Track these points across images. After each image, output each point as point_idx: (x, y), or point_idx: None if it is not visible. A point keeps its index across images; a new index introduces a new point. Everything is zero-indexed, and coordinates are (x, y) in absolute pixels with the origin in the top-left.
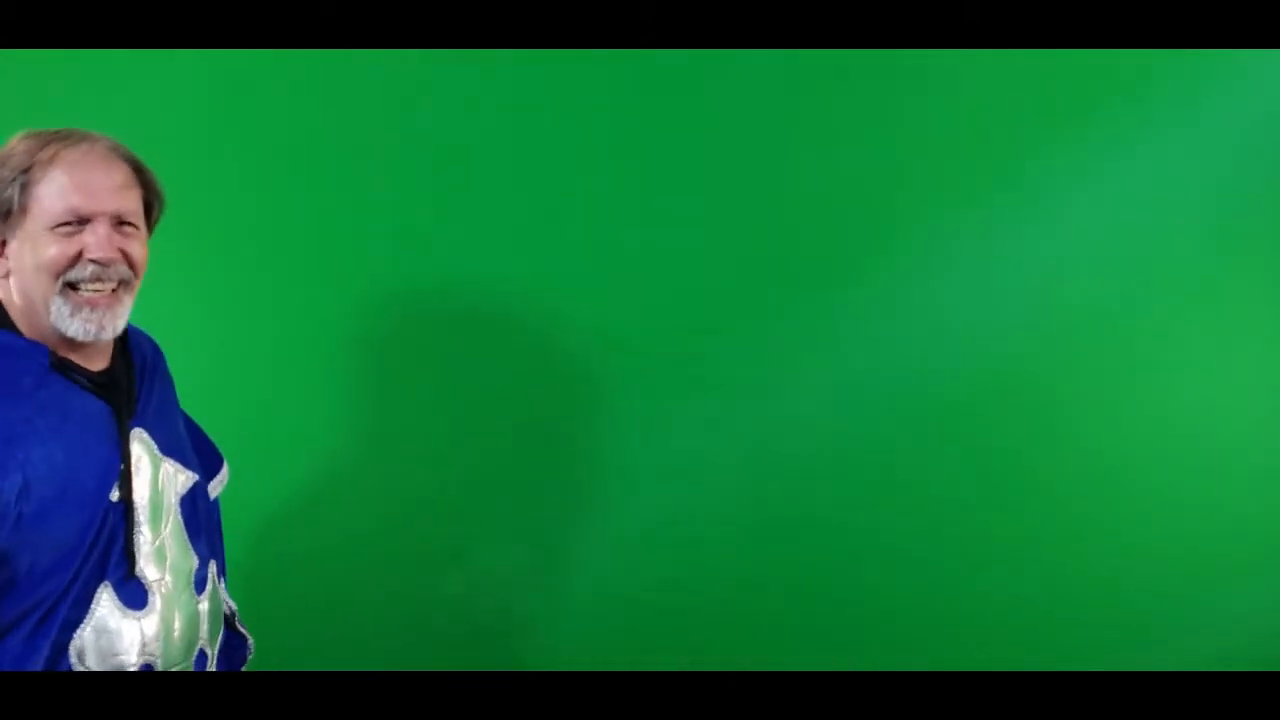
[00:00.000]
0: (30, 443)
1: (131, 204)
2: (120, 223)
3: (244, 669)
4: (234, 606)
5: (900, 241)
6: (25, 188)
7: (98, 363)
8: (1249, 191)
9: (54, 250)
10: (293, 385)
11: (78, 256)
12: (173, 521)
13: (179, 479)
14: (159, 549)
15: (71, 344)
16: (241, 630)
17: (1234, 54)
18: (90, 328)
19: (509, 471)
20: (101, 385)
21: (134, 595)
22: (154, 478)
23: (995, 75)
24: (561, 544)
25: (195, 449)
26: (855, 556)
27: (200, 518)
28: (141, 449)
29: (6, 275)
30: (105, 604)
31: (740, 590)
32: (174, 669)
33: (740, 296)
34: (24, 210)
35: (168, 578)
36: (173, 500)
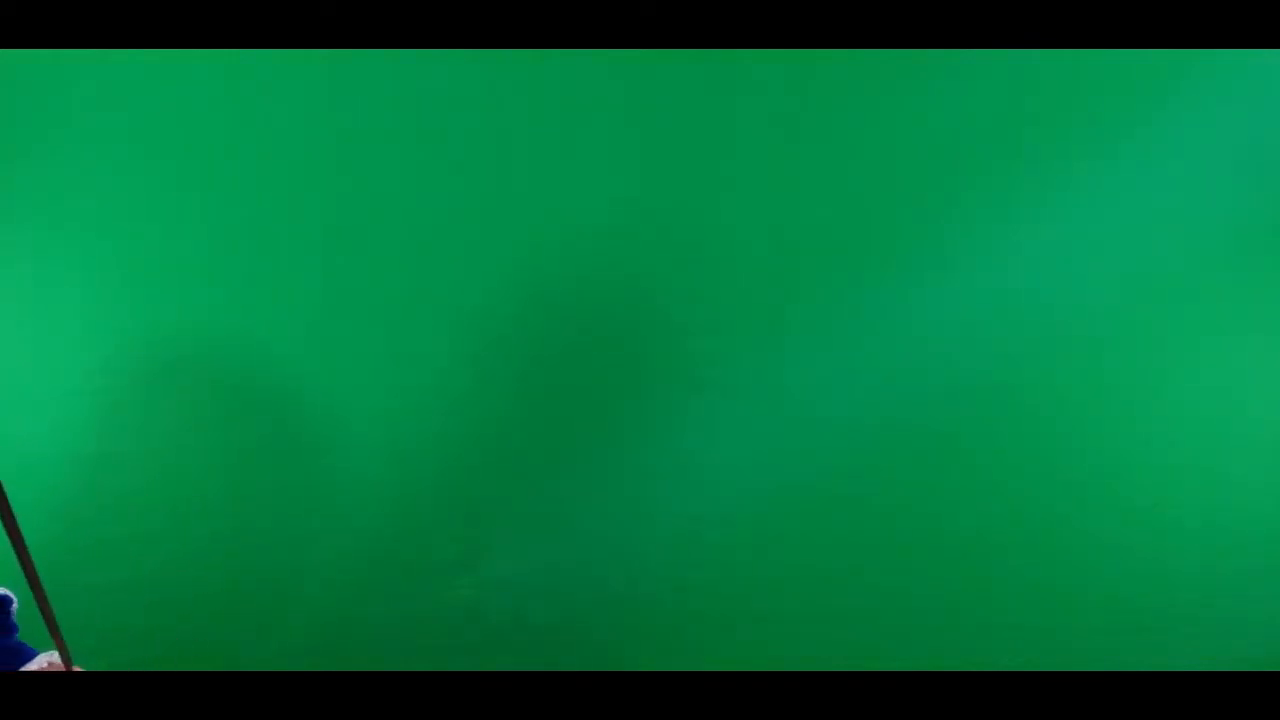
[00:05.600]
0: None
1: None
2: None
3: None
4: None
5: (908, 242)
6: None
7: None
8: (1254, 191)
9: None
10: (308, 388)
11: None
12: None
13: None
14: None
15: None
16: None
17: (1236, 54)
18: None
19: (523, 476)
20: None
21: None
22: None
23: (1002, 76)
24: (575, 547)
25: None
26: (870, 558)
27: None
28: None
29: None
30: None
31: (754, 592)
32: None
33: (751, 298)
34: None
35: None
36: None
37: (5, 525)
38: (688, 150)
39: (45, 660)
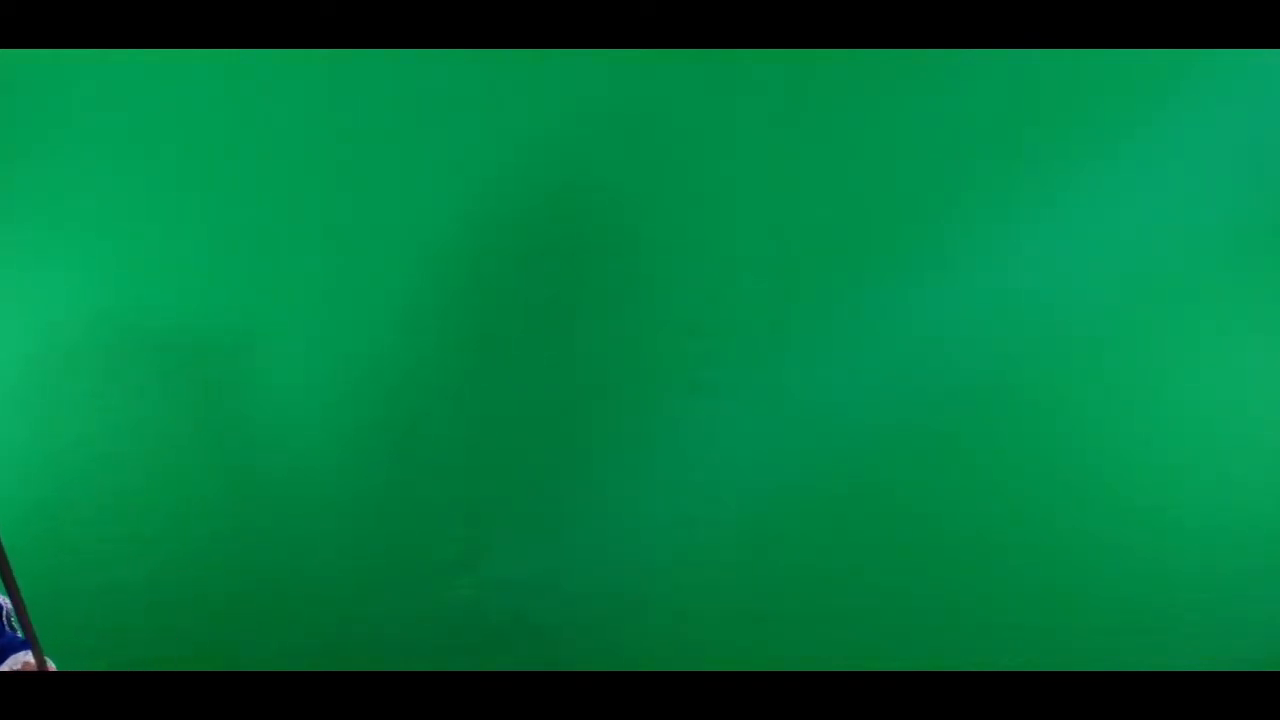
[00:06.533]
0: None
1: None
2: None
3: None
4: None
5: (908, 242)
6: None
7: None
8: (1254, 191)
9: None
10: (308, 389)
11: None
12: None
13: None
14: None
15: None
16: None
17: (1236, 54)
18: None
19: (523, 476)
20: None
21: None
22: None
23: (1002, 76)
24: (575, 547)
25: None
26: (870, 558)
27: None
28: None
29: None
30: None
31: (754, 592)
32: None
33: (751, 298)
34: None
35: None
36: None
37: None
38: (688, 150)
39: (20, 661)
